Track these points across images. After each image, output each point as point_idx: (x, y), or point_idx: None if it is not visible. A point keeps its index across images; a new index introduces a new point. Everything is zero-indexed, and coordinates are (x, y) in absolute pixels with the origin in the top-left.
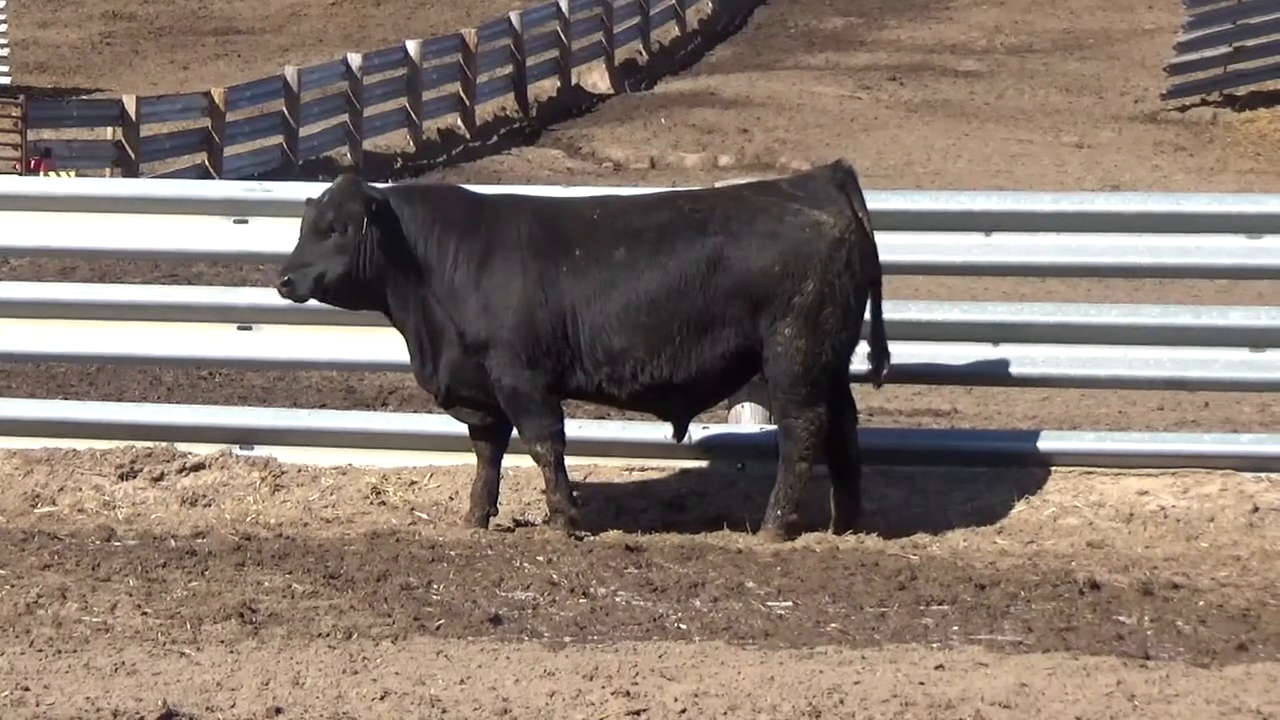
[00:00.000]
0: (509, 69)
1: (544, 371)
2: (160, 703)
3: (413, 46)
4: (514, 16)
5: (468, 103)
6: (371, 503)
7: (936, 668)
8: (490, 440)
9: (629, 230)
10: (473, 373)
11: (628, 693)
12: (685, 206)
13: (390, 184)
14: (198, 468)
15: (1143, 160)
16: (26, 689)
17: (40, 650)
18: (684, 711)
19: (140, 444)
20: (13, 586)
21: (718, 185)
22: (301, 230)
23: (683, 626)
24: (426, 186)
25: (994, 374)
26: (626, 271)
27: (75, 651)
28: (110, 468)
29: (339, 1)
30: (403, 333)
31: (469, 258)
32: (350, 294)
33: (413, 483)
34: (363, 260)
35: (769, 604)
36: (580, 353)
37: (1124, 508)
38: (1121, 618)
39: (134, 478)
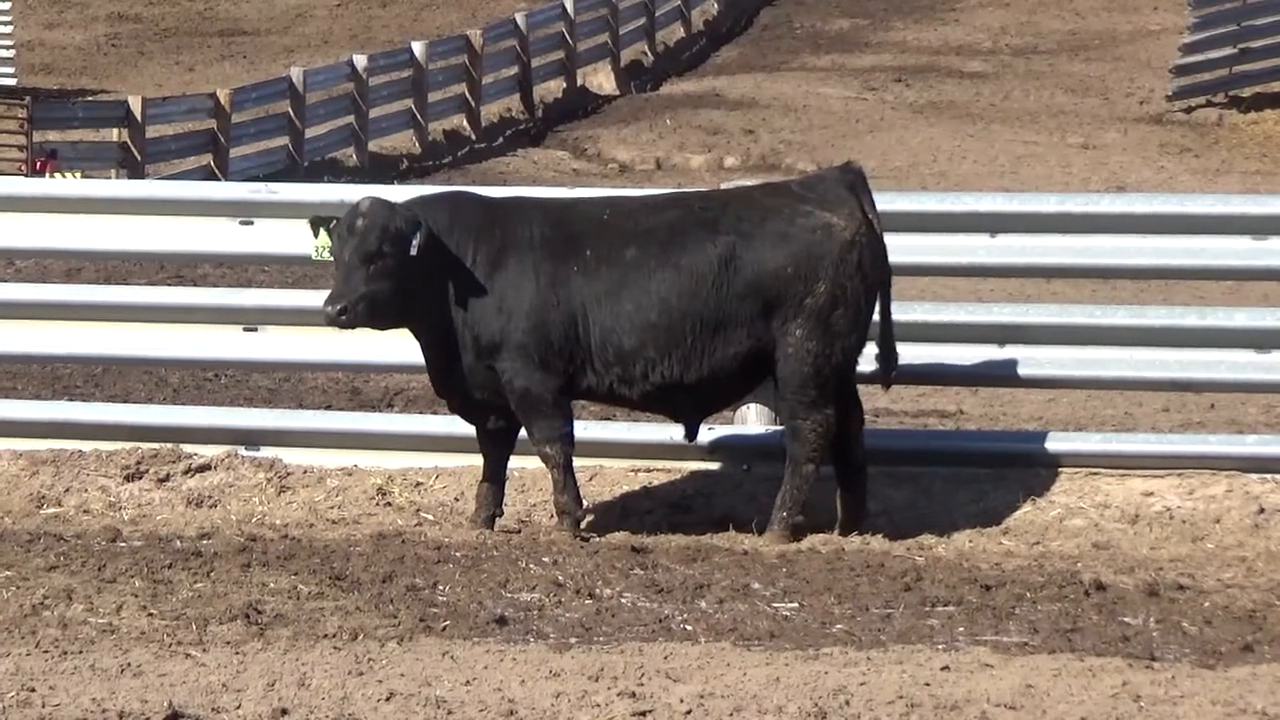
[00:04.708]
0: (514, 70)
1: (556, 373)
2: (166, 704)
3: (418, 48)
4: (519, 18)
5: (473, 104)
6: (377, 504)
7: (942, 669)
8: (497, 443)
9: (639, 230)
10: (485, 376)
11: (633, 694)
12: (696, 207)
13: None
14: (203, 469)
15: (1148, 161)
16: (32, 690)
17: (46, 651)
18: (689, 712)
19: (146, 445)
20: (19, 587)
21: (724, 186)
22: (340, 257)
23: (688, 627)
24: (442, 194)
25: (999, 375)
26: (637, 272)
27: (81, 652)
28: (116, 469)
29: (344, 3)
30: (418, 338)
31: (483, 260)
32: (395, 314)
33: (418, 484)
34: (409, 278)
35: (774, 605)
36: (591, 353)
37: (1129, 509)
38: (1127, 619)
39: (139, 479)
